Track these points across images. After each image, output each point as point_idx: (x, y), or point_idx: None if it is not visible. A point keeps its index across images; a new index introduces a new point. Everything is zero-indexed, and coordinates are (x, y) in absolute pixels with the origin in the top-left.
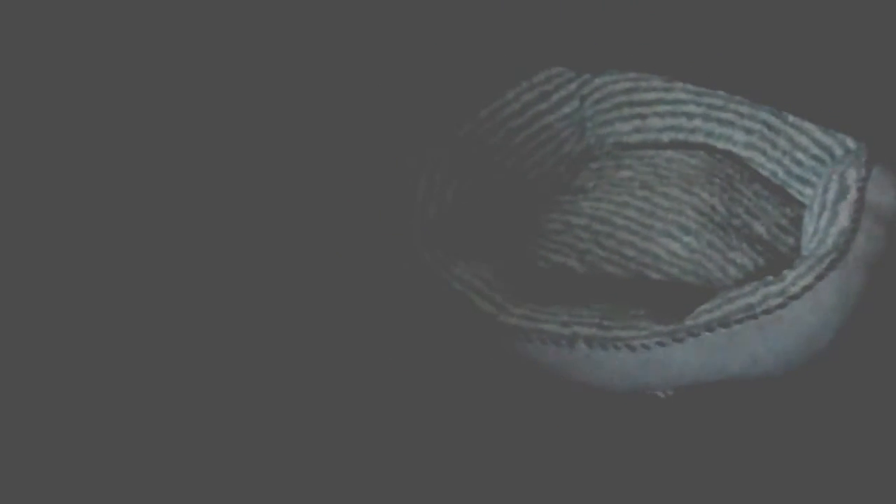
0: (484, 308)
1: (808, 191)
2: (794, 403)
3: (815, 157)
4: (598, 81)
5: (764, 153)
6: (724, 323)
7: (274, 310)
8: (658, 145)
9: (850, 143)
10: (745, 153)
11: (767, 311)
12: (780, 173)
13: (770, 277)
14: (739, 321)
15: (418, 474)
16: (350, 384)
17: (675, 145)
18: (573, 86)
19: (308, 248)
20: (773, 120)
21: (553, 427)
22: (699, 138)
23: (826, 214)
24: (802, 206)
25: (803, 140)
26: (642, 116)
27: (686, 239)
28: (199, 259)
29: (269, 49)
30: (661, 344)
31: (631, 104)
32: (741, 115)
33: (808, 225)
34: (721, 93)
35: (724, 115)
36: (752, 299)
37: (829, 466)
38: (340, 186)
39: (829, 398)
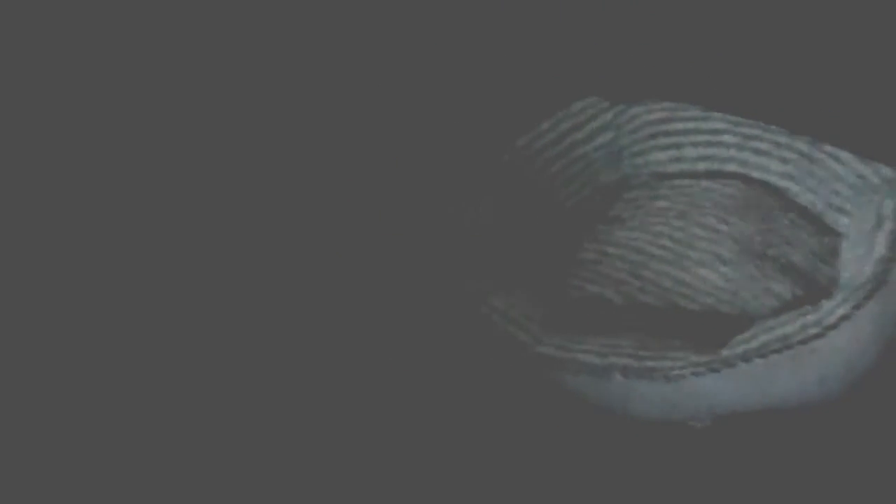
0: (520, 338)
1: (845, 220)
2: (833, 433)
3: (851, 186)
4: (633, 111)
5: (800, 183)
6: (761, 353)
7: (312, 330)
8: (694, 175)
9: (887, 172)
10: (781, 183)
11: (804, 342)
12: (817, 203)
13: (807, 307)
14: (777, 351)
15: (456, 501)
16: (387, 411)
17: (711, 175)
18: (609, 116)
19: (351, 272)
20: (809, 149)
21: (590, 457)
22: (735, 168)
23: (863, 244)
24: (839, 235)
25: (840, 169)
26: (678, 146)
27: (722, 269)
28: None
29: (310, 78)
30: (696, 374)
31: (667, 134)
32: (778, 145)
33: (846, 254)
34: (758, 122)
35: (760, 145)
36: (789, 329)
37: (868, 497)
38: (387, 215)
39: (866, 428)
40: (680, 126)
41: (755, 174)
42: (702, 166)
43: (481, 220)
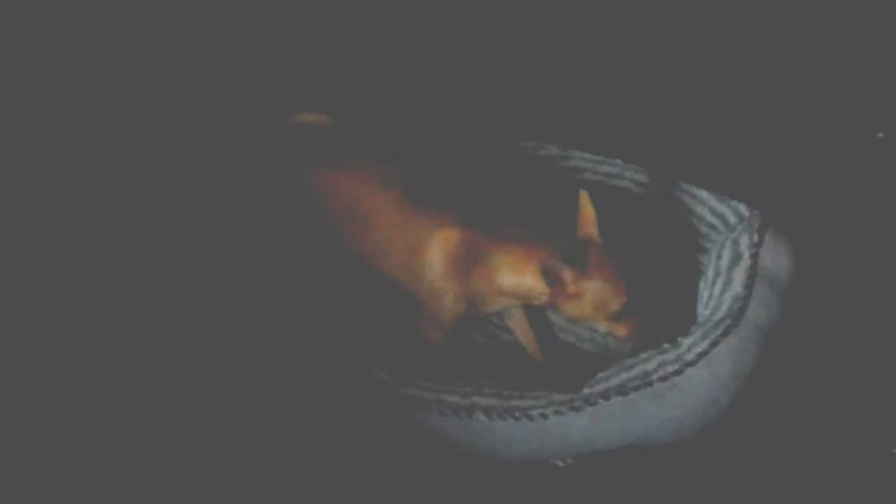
0: (385, 378)
1: (702, 257)
2: (693, 469)
3: (709, 225)
4: None
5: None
6: (622, 391)
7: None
8: None
9: (744, 210)
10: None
11: (664, 378)
12: None
13: (666, 345)
14: (636, 388)
15: None
16: (251, 453)
17: None
18: None
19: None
20: (668, 189)
21: (455, 498)
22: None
23: (720, 281)
24: (697, 272)
25: (697, 208)
26: None
27: None
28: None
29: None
30: (558, 413)
31: None
32: (636, 184)
33: (703, 291)
34: (618, 161)
35: (620, 184)
36: (649, 366)
37: None
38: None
39: (725, 463)
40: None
41: None
42: None
43: (335, 262)
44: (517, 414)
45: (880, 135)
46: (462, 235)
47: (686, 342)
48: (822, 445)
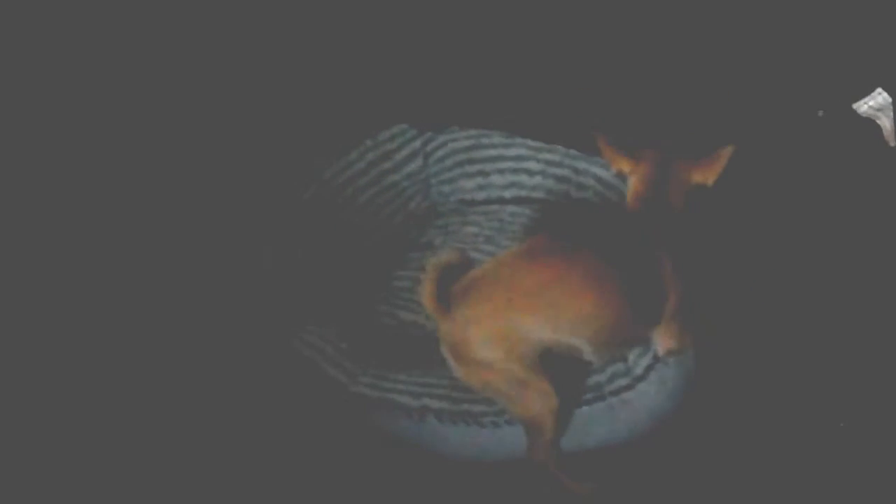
0: (335, 376)
1: None
2: (643, 470)
3: None
4: (441, 139)
5: None
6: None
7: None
8: (502, 201)
9: None
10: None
11: (615, 393)
12: None
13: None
14: (589, 403)
15: None
16: (200, 452)
17: (518, 201)
18: (417, 143)
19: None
20: (606, 174)
21: (403, 497)
22: (540, 195)
23: None
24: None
25: None
26: (484, 174)
27: None
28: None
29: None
30: (509, 423)
31: (472, 161)
32: (577, 172)
33: None
34: (559, 147)
35: (560, 172)
36: (601, 378)
37: None
38: (187, 258)
39: (677, 462)
40: (486, 153)
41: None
42: (508, 193)
43: (290, 255)
44: (468, 420)
45: (820, 113)
46: None
47: (633, 355)
48: (772, 442)
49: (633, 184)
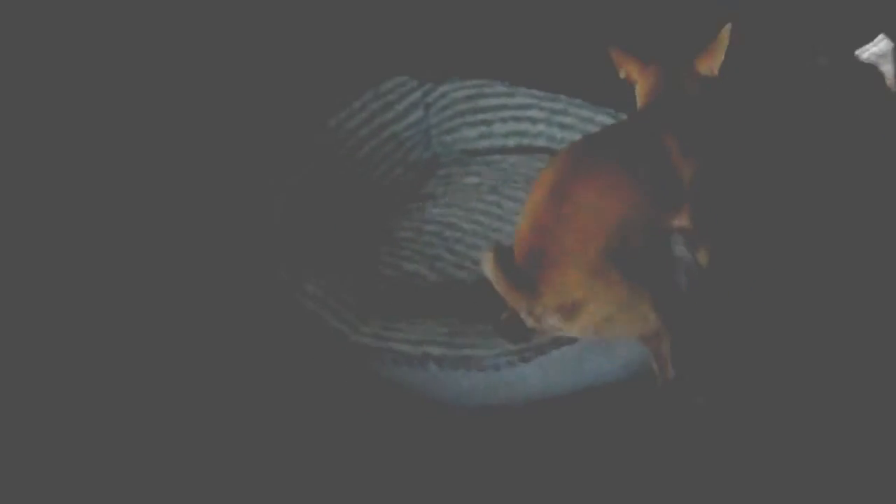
0: (337, 327)
1: None
2: (640, 410)
3: None
4: (442, 89)
5: None
6: (571, 340)
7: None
8: (504, 150)
9: None
10: None
11: None
12: None
13: None
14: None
15: (275, 494)
16: (208, 402)
17: (520, 150)
18: (418, 94)
19: (164, 263)
20: (611, 122)
21: (407, 443)
22: (543, 143)
23: None
24: None
25: None
26: (487, 123)
27: None
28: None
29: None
30: (510, 364)
31: (475, 111)
32: (581, 119)
33: None
34: (562, 97)
35: (565, 120)
36: None
37: (679, 470)
38: (197, 206)
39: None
40: (488, 102)
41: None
42: (511, 142)
43: (296, 202)
44: (469, 364)
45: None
46: None
47: None
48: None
49: (641, 86)
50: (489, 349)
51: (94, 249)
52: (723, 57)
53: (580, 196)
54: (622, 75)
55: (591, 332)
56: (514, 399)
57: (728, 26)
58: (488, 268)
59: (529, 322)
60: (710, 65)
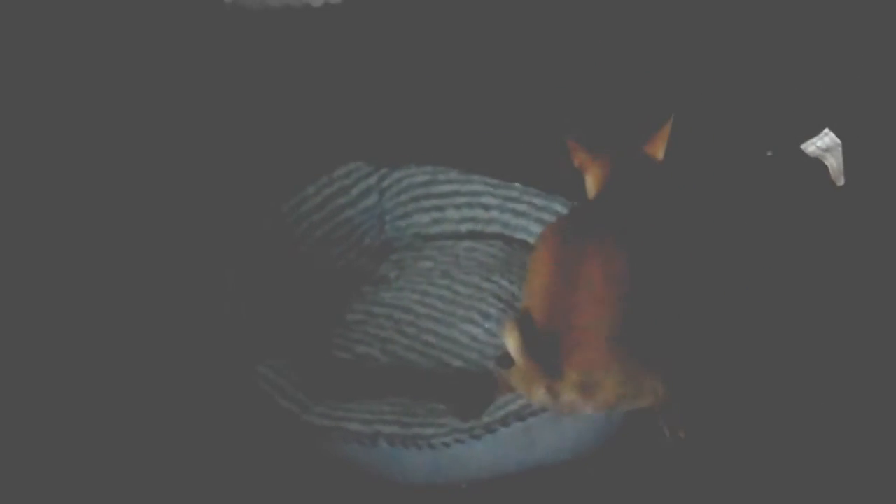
0: (288, 407)
1: None
2: (586, 486)
3: None
4: (396, 175)
5: None
6: (520, 416)
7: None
8: (457, 236)
9: None
10: None
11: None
12: None
13: None
14: (534, 413)
15: None
16: (157, 482)
17: (473, 236)
18: (372, 179)
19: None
20: (565, 210)
21: None
22: (496, 229)
23: None
24: None
25: None
26: (440, 208)
27: (487, 325)
28: None
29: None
30: (459, 441)
31: (428, 196)
32: (536, 207)
33: None
34: (517, 185)
35: (519, 207)
36: None
37: None
38: (146, 290)
39: (618, 480)
40: (442, 188)
41: (516, 235)
42: (464, 228)
43: (248, 287)
44: (420, 442)
45: (769, 153)
46: None
47: None
48: (718, 448)
49: (592, 176)
50: (439, 428)
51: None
52: (665, 144)
53: (589, 277)
54: (576, 164)
55: (606, 408)
56: (465, 477)
57: (670, 120)
58: (513, 344)
59: (540, 398)
60: (655, 150)
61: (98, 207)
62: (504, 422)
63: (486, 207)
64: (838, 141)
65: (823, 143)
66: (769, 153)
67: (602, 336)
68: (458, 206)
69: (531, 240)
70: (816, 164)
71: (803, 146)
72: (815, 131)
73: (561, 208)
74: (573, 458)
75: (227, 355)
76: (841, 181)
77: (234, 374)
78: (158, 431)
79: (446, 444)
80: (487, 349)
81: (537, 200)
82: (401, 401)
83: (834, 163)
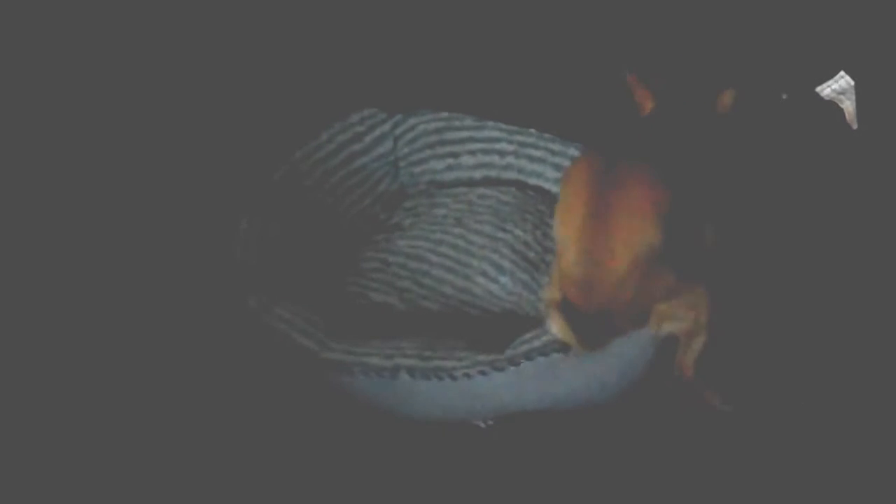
0: (306, 345)
1: None
2: (612, 432)
3: None
4: (410, 121)
5: None
6: (544, 352)
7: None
8: (471, 183)
9: None
10: (555, 189)
11: None
12: None
13: None
14: (559, 350)
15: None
16: (178, 421)
17: (487, 182)
18: (386, 126)
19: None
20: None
21: (375, 459)
22: (511, 175)
23: None
24: None
25: None
26: (455, 155)
27: (502, 280)
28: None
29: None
30: (482, 373)
31: (443, 143)
32: (552, 153)
33: None
34: (532, 130)
35: (535, 153)
36: None
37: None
38: (162, 237)
39: (644, 426)
40: (456, 135)
41: (531, 181)
42: (478, 174)
43: (263, 232)
44: (441, 374)
45: (784, 96)
46: None
47: None
48: (739, 408)
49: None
50: (461, 360)
51: (61, 271)
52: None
53: (620, 211)
54: (636, 99)
55: (657, 328)
56: (485, 411)
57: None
58: (561, 333)
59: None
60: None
61: (112, 154)
62: (528, 356)
63: (502, 153)
64: (853, 83)
65: (839, 86)
66: (784, 96)
67: (638, 272)
68: (472, 153)
69: (546, 185)
70: (832, 106)
71: (818, 89)
72: (830, 74)
73: (576, 153)
74: (594, 405)
75: (242, 298)
76: (856, 124)
77: (250, 315)
78: (175, 374)
79: (468, 376)
80: (504, 303)
81: (553, 146)
82: (420, 338)
83: (850, 105)
